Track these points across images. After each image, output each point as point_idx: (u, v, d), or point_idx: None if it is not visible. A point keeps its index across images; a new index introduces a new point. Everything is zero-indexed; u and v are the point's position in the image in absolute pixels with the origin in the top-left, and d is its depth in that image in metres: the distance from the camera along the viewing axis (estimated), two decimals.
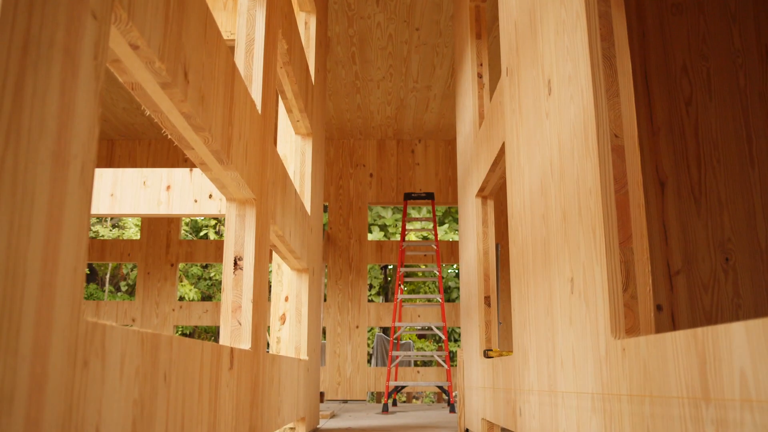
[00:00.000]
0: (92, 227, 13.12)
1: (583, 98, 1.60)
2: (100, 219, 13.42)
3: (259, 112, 2.14)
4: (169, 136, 1.53)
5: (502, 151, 2.71)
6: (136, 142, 7.93)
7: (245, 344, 1.95)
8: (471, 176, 3.62)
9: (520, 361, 2.31)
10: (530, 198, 2.16)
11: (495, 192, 3.42)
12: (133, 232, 12.82)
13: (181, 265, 13.00)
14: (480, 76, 3.59)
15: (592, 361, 1.51)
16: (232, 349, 1.69)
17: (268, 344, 11.06)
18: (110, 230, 13.05)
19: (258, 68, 2.18)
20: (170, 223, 7.73)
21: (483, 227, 3.38)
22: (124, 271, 13.48)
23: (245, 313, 1.97)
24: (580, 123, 1.63)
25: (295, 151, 3.64)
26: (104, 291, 13.24)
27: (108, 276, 13.19)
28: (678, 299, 2.40)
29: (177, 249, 7.65)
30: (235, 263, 2.01)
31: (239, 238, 2.03)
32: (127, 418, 0.99)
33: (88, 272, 13.22)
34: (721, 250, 2.44)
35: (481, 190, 3.37)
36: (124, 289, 13.60)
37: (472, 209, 3.57)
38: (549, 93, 1.93)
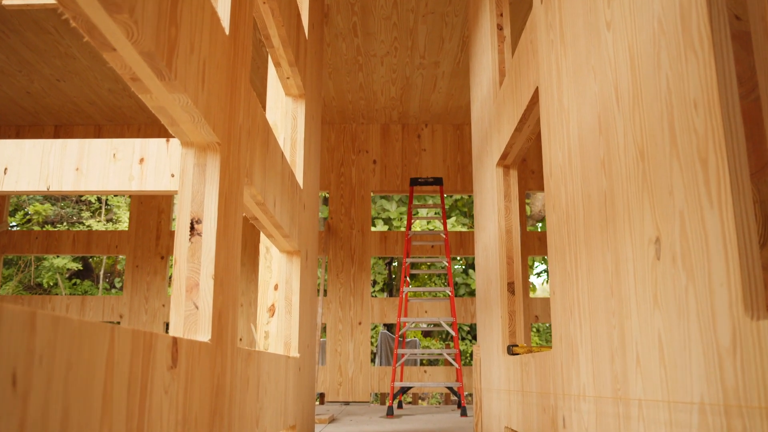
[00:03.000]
0: (85, 222, 12.63)
1: None
2: (93, 213, 12.94)
3: (227, 33, 1.65)
4: (73, 23, 1.03)
5: (533, 100, 2.21)
6: (125, 128, 7.44)
7: (203, 335, 1.46)
8: (490, 144, 3.11)
9: (564, 358, 1.81)
10: (579, 145, 1.66)
11: (519, 161, 2.91)
12: (125, 226, 12.33)
13: None
14: (500, 27, 3.09)
15: (699, 354, 1.02)
16: (175, 340, 1.19)
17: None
18: (104, 225, 12.58)
19: None
20: (160, 213, 7.24)
21: (506, 201, 2.88)
22: (119, 267, 13.01)
23: (204, 293, 1.47)
24: (672, 12, 1.13)
25: (285, 115, 3.14)
26: (99, 288, 12.76)
27: (102, 272, 12.72)
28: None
29: (168, 240, 7.16)
30: (192, 227, 1.51)
31: (197, 194, 1.53)
32: None
33: (83, 268, 12.73)
34: None
35: (503, 157, 2.87)
36: (119, 285, 13.12)
37: (491, 182, 3.06)
38: None
